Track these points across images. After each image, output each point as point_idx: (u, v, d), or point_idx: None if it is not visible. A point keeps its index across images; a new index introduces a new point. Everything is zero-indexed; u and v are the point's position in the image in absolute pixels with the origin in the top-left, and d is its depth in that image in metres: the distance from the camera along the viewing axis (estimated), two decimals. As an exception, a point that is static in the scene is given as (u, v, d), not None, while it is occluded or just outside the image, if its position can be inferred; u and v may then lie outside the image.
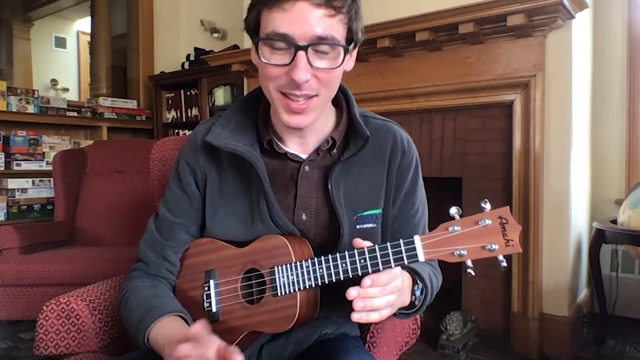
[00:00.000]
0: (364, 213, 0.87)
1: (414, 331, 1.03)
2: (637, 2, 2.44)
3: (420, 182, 0.95)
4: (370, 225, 0.88)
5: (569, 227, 2.06)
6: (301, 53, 0.72)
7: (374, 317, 0.70)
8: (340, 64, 0.76)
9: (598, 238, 2.15)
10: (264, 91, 0.82)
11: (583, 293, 2.36)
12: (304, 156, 0.87)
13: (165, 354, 0.74)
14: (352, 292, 0.68)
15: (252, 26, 0.77)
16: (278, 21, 0.71)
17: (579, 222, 2.27)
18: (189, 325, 0.82)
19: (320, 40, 0.72)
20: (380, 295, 0.70)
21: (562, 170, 2.05)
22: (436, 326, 2.20)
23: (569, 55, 2.01)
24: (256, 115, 0.90)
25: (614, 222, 2.16)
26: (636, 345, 2.19)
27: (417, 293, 0.82)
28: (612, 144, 2.52)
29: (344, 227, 0.85)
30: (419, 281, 0.82)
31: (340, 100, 0.90)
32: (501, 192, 2.18)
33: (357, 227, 0.87)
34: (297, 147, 0.88)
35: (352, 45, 0.79)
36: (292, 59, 0.72)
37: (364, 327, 1.01)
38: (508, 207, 0.70)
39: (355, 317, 0.69)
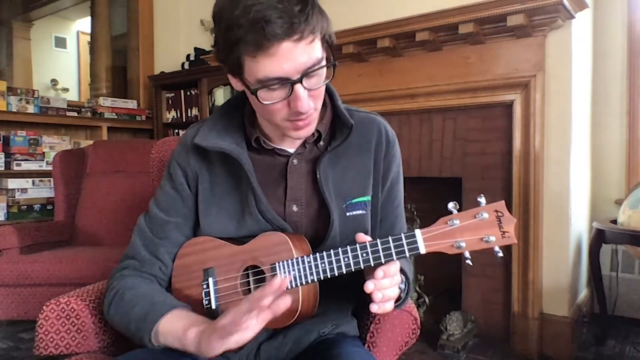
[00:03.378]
0: (354, 200, 0.91)
1: (414, 331, 1.03)
2: (637, 2, 2.44)
3: (402, 176, 0.99)
4: (360, 212, 0.91)
5: (569, 227, 2.06)
6: (298, 86, 0.74)
7: (388, 307, 0.75)
8: (326, 76, 0.80)
9: (598, 238, 2.15)
10: (266, 120, 0.85)
11: (583, 293, 2.36)
12: (291, 150, 0.91)
13: (189, 338, 0.76)
14: (369, 286, 0.72)
15: (236, 67, 0.77)
16: (268, 67, 0.73)
17: (579, 222, 2.27)
18: None
19: (309, 68, 0.75)
20: (391, 286, 0.75)
21: (562, 170, 2.05)
22: (436, 326, 2.20)
23: (569, 55, 2.01)
24: (242, 116, 0.93)
25: (614, 222, 2.16)
26: (636, 345, 2.19)
27: (402, 286, 0.85)
28: (612, 143, 2.51)
29: (333, 214, 0.87)
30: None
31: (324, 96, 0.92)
32: (501, 192, 2.18)
33: (347, 214, 0.90)
34: (285, 142, 0.90)
35: (331, 42, 0.81)
36: (291, 92, 0.75)
37: (363, 327, 1.01)
38: (503, 201, 0.74)
39: (374, 308, 0.73)
